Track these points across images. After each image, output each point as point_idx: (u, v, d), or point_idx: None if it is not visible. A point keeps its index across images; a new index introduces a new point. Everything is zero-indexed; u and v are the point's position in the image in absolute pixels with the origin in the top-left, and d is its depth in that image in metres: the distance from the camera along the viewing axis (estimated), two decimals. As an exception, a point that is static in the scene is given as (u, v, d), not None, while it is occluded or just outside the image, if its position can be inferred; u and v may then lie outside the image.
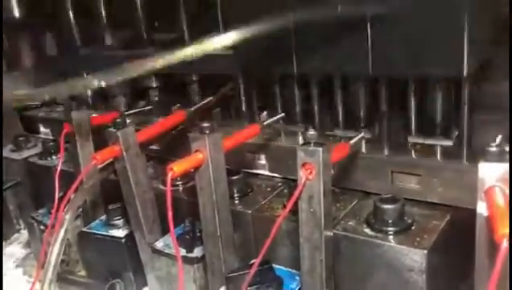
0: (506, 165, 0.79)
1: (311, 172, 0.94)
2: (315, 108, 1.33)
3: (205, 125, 1.06)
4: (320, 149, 0.93)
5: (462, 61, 0.99)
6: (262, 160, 1.43)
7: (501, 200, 0.76)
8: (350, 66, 1.14)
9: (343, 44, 1.11)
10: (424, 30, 1.01)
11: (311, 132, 0.95)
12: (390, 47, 1.06)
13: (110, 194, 1.49)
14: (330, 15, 1.07)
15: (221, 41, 1.04)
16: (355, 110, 1.26)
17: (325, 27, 1.12)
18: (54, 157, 1.78)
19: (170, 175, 0.99)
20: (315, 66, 1.20)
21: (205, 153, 1.05)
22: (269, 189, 1.37)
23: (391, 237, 1.07)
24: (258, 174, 1.45)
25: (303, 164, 0.94)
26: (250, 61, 1.34)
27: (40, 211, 1.60)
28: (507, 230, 0.67)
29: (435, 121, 1.16)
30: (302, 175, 0.94)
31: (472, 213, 1.11)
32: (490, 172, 0.80)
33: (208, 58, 1.46)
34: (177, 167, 1.00)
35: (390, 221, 1.08)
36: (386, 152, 1.21)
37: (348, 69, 1.16)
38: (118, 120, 1.21)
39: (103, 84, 1.24)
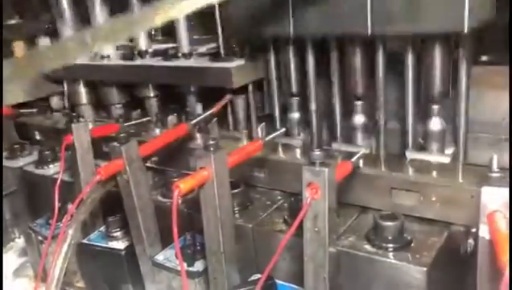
0: (507, 190, 0.82)
1: (316, 192, 0.95)
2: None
3: (210, 142, 1.06)
4: (326, 169, 0.94)
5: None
6: (261, 173, 1.44)
7: (502, 225, 0.78)
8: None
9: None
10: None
11: (317, 152, 0.96)
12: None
13: (109, 205, 1.49)
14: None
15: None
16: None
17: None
18: (50, 166, 1.77)
19: (176, 193, 0.99)
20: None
21: (210, 171, 1.05)
22: (268, 203, 1.38)
23: (391, 253, 1.09)
24: (255, 186, 1.46)
25: (309, 184, 0.96)
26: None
27: (38, 221, 1.58)
28: (507, 257, 0.70)
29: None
30: (307, 194, 0.95)
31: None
32: (492, 197, 0.82)
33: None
34: (183, 185, 1.00)
35: (390, 238, 1.10)
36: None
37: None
38: (122, 134, 1.21)
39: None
